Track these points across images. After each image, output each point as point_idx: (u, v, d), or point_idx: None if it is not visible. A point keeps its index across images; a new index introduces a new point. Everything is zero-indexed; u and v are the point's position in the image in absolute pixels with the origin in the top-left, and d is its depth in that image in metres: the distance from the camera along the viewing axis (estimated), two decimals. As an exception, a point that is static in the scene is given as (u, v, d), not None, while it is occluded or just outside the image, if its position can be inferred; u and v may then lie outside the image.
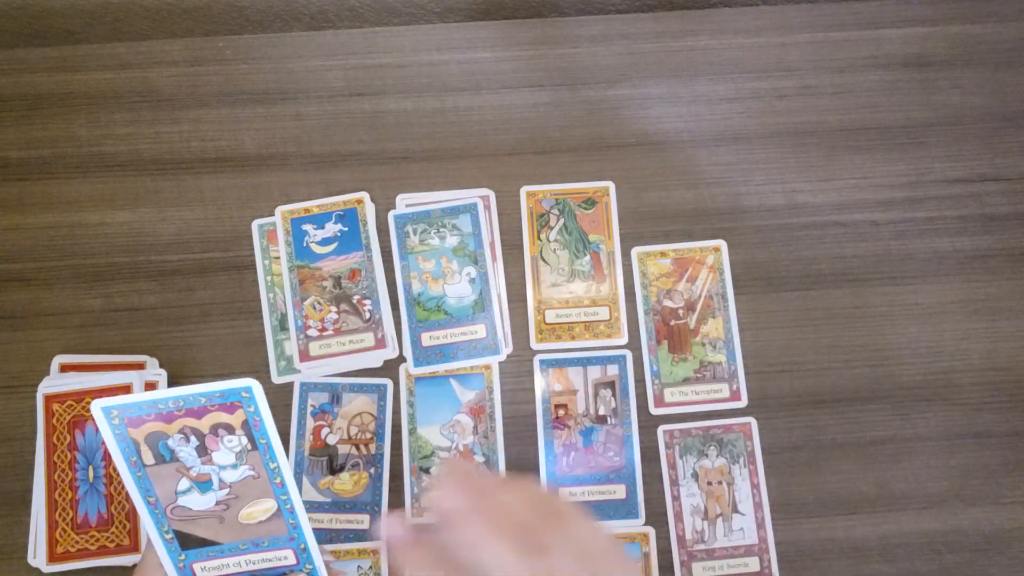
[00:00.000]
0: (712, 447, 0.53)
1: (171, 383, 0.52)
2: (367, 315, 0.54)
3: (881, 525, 0.52)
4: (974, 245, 0.56)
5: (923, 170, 0.57)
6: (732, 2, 0.65)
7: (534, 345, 0.54)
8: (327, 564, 0.40)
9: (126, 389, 0.51)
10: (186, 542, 0.38)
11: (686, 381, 0.54)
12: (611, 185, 0.57)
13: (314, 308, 0.54)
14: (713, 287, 0.55)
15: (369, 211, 0.55)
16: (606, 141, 0.58)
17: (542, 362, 0.54)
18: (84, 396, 0.51)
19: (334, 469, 0.52)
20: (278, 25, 0.66)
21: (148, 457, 0.37)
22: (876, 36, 0.60)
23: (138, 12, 0.64)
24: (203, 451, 0.37)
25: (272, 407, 0.52)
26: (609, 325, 0.54)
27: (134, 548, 0.49)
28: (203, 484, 0.38)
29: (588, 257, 0.56)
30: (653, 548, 0.51)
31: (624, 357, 0.54)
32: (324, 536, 0.51)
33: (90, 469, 0.50)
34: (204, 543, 0.38)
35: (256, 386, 0.36)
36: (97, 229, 0.56)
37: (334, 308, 0.54)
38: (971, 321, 0.55)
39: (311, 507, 0.51)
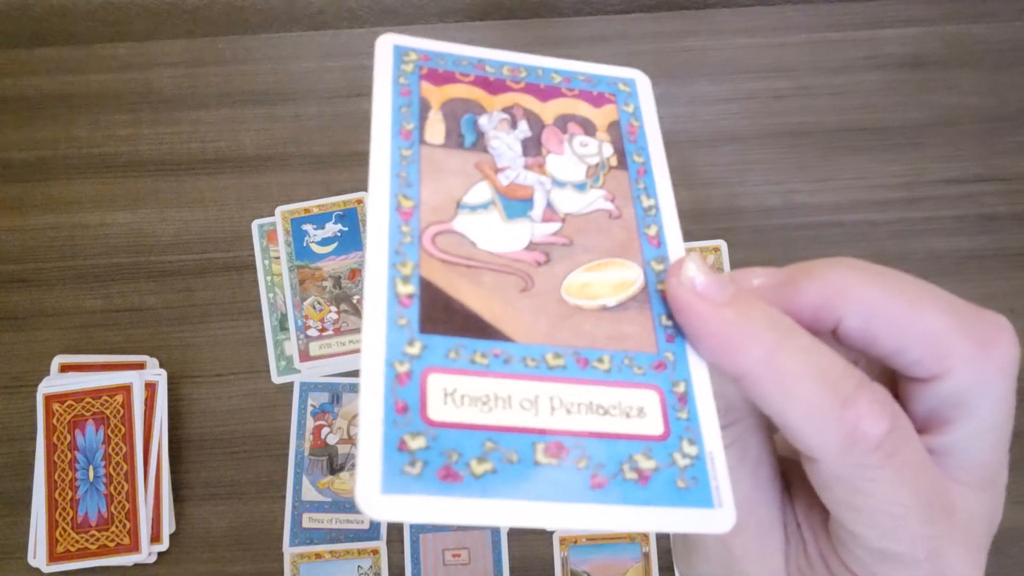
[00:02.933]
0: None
1: (171, 383, 0.52)
2: (367, 315, 0.54)
3: (879, 524, 0.52)
4: (971, 245, 0.56)
5: (920, 170, 0.58)
6: (730, 2, 0.65)
7: (533, 345, 0.54)
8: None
9: (126, 389, 0.51)
10: (434, 316, 0.17)
11: (685, 380, 0.53)
12: (610, 185, 0.56)
13: (314, 308, 0.54)
14: (711, 287, 0.55)
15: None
16: (605, 141, 0.58)
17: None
18: (84, 396, 0.51)
19: (334, 469, 0.52)
20: (278, 26, 0.66)
21: (435, 134, 0.20)
22: (873, 36, 0.60)
23: (138, 13, 0.64)
24: (534, 147, 0.20)
25: (272, 407, 0.53)
26: (608, 325, 0.54)
27: (134, 548, 0.49)
28: (516, 204, 0.19)
29: (587, 257, 0.55)
30: (653, 548, 0.51)
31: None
32: (324, 536, 0.51)
33: (90, 469, 0.50)
34: (472, 328, 0.17)
35: (643, 80, 0.23)
36: (98, 230, 0.56)
37: (334, 308, 0.54)
38: (968, 320, 0.55)
39: (311, 507, 0.51)
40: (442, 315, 0.17)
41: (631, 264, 0.19)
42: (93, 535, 0.49)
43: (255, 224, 0.56)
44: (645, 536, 0.51)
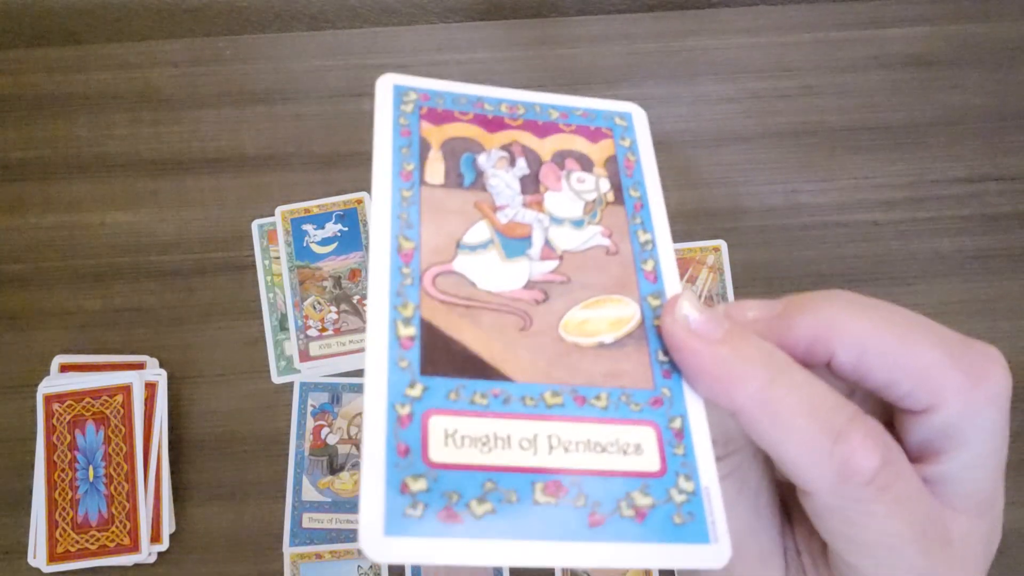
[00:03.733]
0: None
1: (171, 383, 0.52)
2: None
3: (882, 526, 0.52)
4: (975, 245, 0.56)
5: (924, 170, 0.57)
6: (732, 2, 0.65)
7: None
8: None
9: (126, 389, 0.51)
10: (434, 358, 0.17)
11: (686, 381, 0.53)
12: (611, 185, 0.56)
13: (314, 308, 0.54)
14: (713, 287, 0.55)
15: (369, 211, 0.55)
16: (606, 141, 0.57)
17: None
18: (84, 396, 0.51)
19: (334, 469, 0.52)
20: (278, 25, 0.66)
21: (435, 173, 0.20)
22: (877, 36, 0.60)
23: (138, 12, 0.64)
24: (532, 185, 0.20)
25: (272, 407, 0.53)
26: (609, 325, 0.54)
27: (134, 548, 0.49)
28: (514, 242, 0.19)
29: (589, 257, 0.55)
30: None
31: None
32: (324, 536, 0.51)
33: (90, 469, 0.50)
34: (472, 369, 0.17)
35: (640, 114, 0.23)
36: (97, 229, 0.56)
37: (334, 308, 0.54)
38: (972, 321, 0.55)
39: (311, 507, 0.51)
40: (442, 357, 0.17)
41: (628, 300, 0.19)
42: (93, 535, 0.49)
43: (255, 224, 0.55)
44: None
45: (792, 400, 0.17)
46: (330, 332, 0.53)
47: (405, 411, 0.16)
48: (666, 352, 0.18)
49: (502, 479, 0.16)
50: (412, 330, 0.17)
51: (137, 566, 0.50)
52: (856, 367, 0.19)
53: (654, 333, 0.18)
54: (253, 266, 0.55)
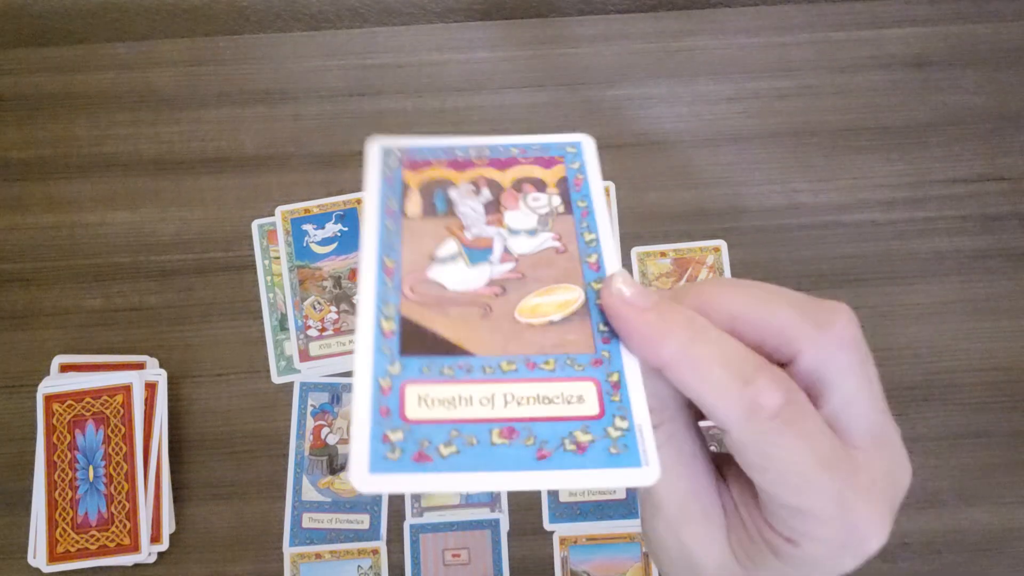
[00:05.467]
0: (712, 446, 0.52)
1: (171, 383, 0.52)
2: (367, 315, 0.54)
3: (881, 525, 0.52)
4: (975, 245, 0.56)
5: (924, 170, 0.57)
6: (732, 2, 0.65)
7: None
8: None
9: (126, 389, 0.51)
10: (411, 343, 0.21)
11: (686, 381, 0.53)
12: (611, 185, 0.56)
13: (314, 308, 0.54)
14: (713, 287, 0.55)
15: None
16: (606, 141, 0.58)
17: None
18: (84, 396, 0.51)
19: (334, 469, 0.52)
20: (278, 25, 0.66)
21: (413, 207, 0.24)
22: (876, 36, 0.60)
23: (138, 12, 0.64)
24: (493, 209, 0.25)
25: (272, 407, 0.53)
26: (609, 325, 0.54)
27: (134, 548, 0.49)
28: (477, 252, 0.24)
29: (588, 257, 0.55)
30: (653, 548, 0.51)
31: (624, 357, 0.53)
32: (324, 536, 0.51)
33: (90, 469, 0.50)
34: (440, 349, 0.21)
35: (588, 142, 0.27)
36: (97, 229, 0.56)
37: (334, 308, 0.54)
38: (971, 321, 0.55)
39: (311, 507, 0.51)
40: (417, 342, 0.21)
41: (574, 287, 0.23)
42: (93, 535, 0.49)
43: (255, 224, 0.55)
44: (645, 536, 0.51)
45: (708, 354, 0.20)
46: (330, 332, 0.53)
47: (387, 383, 0.20)
48: (606, 323, 0.22)
49: (464, 428, 0.19)
50: (393, 325, 0.21)
51: (137, 566, 0.50)
52: (731, 332, 0.21)
53: (596, 310, 0.22)
54: (253, 266, 0.55)
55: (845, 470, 0.20)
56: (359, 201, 0.55)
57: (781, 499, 0.21)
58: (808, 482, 0.20)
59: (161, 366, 0.53)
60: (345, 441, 0.52)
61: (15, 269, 0.55)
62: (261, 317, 0.54)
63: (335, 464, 0.52)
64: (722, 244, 0.56)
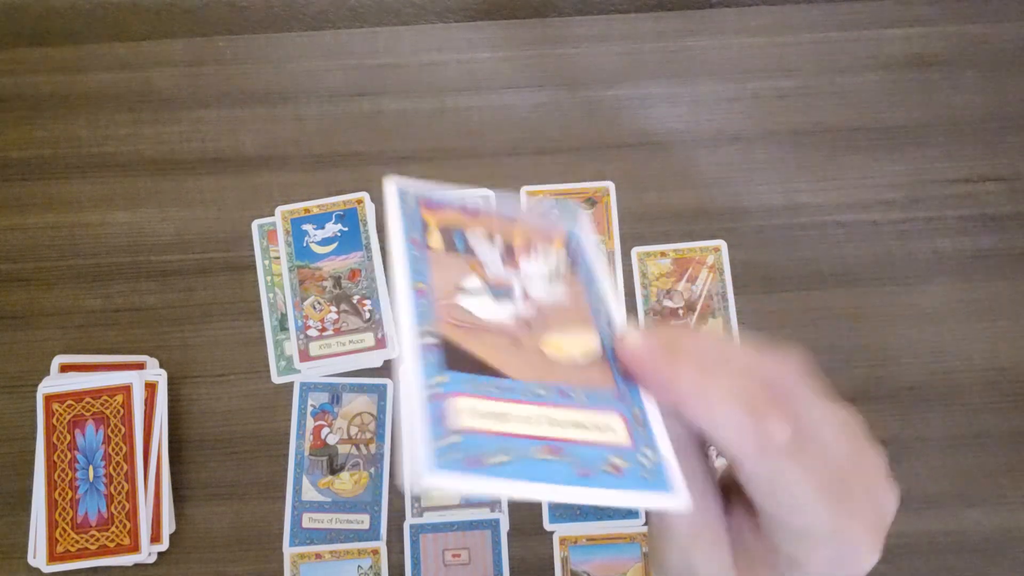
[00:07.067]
0: (712, 447, 0.52)
1: (171, 383, 0.52)
2: (367, 315, 0.54)
3: (881, 525, 0.52)
4: (975, 245, 0.56)
5: (923, 170, 0.57)
6: (732, 2, 0.65)
7: (534, 345, 0.54)
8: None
9: (126, 389, 0.51)
10: (453, 359, 0.22)
11: (686, 381, 0.53)
12: (611, 185, 0.56)
13: (314, 308, 0.54)
14: (713, 287, 0.55)
15: (369, 211, 0.55)
16: (606, 141, 0.58)
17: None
18: (84, 396, 0.51)
19: (334, 469, 0.52)
20: (278, 25, 0.66)
21: (435, 240, 0.26)
22: (876, 36, 0.60)
23: (138, 12, 0.64)
24: (508, 257, 0.26)
25: (272, 407, 0.53)
26: (609, 325, 0.54)
27: (134, 548, 0.49)
28: (500, 291, 0.25)
29: (588, 257, 0.55)
30: (653, 548, 0.51)
31: (624, 357, 0.53)
32: (324, 536, 0.51)
33: (90, 469, 0.50)
34: (480, 369, 0.22)
35: (583, 215, 0.28)
36: (97, 229, 0.56)
37: (334, 308, 0.54)
38: (972, 321, 0.55)
39: (311, 507, 0.51)
40: (458, 359, 0.22)
41: (592, 334, 0.25)
42: (93, 535, 0.49)
43: (255, 224, 0.56)
44: (645, 536, 0.51)
45: (719, 394, 0.22)
46: (330, 332, 0.53)
47: (436, 392, 0.21)
48: (621, 369, 0.24)
49: (510, 441, 0.21)
50: (433, 340, 0.23)
51: (137, 566, 0.50)
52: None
53: (611, 353, 0.24)
54: (253, 266, 0.55)
55: (843, 496, 0.22)
56: (359, 201, 0.55)
57: (785, 522, 0.22)
58: (810, 507, 0.22)
59: (161, 366, 0.53)
60: (345, 441, 0.52)
61: (15, 269, 0.55)
62: (261, 317, 0.54)
63: (335, 464, 0.52)
64: (722, 244, 0.56)
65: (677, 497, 0.21)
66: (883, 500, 0.24)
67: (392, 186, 0.27)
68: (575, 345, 0.24)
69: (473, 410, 0.21)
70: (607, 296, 0.26)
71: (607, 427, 0.22)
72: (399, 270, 0.24)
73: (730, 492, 0.25)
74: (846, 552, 0.22)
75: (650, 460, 0.22)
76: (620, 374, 0.24)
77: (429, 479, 0.19)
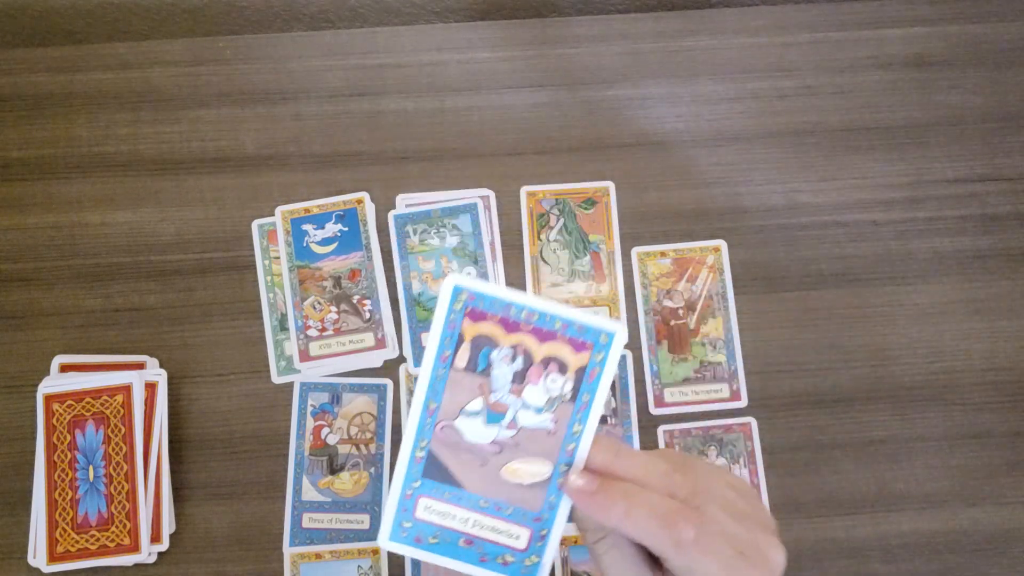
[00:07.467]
0: (712, 447, 0.53)
1: (171, 383, 0.52)
2: (367, 315, 0.54)
3: (881, 525, 0.52)
4: (974, 245, 0.56)
5: (923, 170, 0.57)
6: (732, 2, 0.65)
7: (534, 345, 0.54)
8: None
9: (126, 389, 0.51)
10: (431, 470, 0.33)
11: (686, 381, 0.54)
12: (611, 185, 0.57)
13: (314, 308, 0.54)
14: (713, 287, 0.55)
15: (369, 211, 0.55)
16: (606, 141, 0.58)
17: (542, 362, 0.54)
18: (84, 396, 0.51)
19: (334, 469, 0.52)
20: (278, 25, 0.66)
21: (462, 360, 0.33)
22: (876, 36, 0.60)
23: (138, 12, 0.64)
24: (520, 378, 0.33)
25: (272, 407, 0.53)
26: (609, 325, 0.54)
27: (134, 548, 0.49)
28: (494, 415, 0.33)
29: (588, 257, 0.56)
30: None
31: (624, 357, 0.54)
32: (324, 536, 0.51)
33: (90, 469, 0.50)
34: (448, 480, 0.33)
35: (621, 334, 0.33)
36: (97, 229, 0.56)
37: (334, 308, 0.54)
38: (971, 321, 0.55)
39: (311, 507, 0.51)
40: (435, 470, 0.33)
41: (547, 464, 0.33)
42: (93, 535, 0.49)
43: (255, 224, 0.56)
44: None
45: (641, 512, 0.30)
46: (330, 332, 0.53)
47: (409, 492, 0.33)
48: (554, 494, 0.33)
49: (444, 531, 0.34)
50: (422, 454, 0.33)
51: (137, 566, 0.50)
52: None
53: (554, 485, 0.33)
54: (253, 266, 0.55)
55: (739, 566, 0.31)
56: (359, 201, 0.55)
57: None
58: None
59: (161, 366, 0.53)
60: (345, 441, 0.52)
61: (15, 269, 0.55)
62: (261, 317, 0.54)
63: (335, 464, 0.52)
64: (722, 244, 0.56)
65: None
66: (772, 557, 0.32)
67: (449, 287, 0.33)
68: (527, 474, 0.33)
69: (429, 508, 0.33)
70: (591, 424, 0.33)
71: (515, 536, 0.33)
72: (421, 388, 0.33)
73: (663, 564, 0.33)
74: None
75: (530, 562, 0.33)
76: (550, 500, 0.33)
77: (387, 545, 0.34)
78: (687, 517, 0.30)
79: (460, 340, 0.33)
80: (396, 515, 0.33)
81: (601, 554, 0.33)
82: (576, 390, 0.33)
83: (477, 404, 0.33)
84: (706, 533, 0.31)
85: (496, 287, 0.33)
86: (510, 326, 0.33)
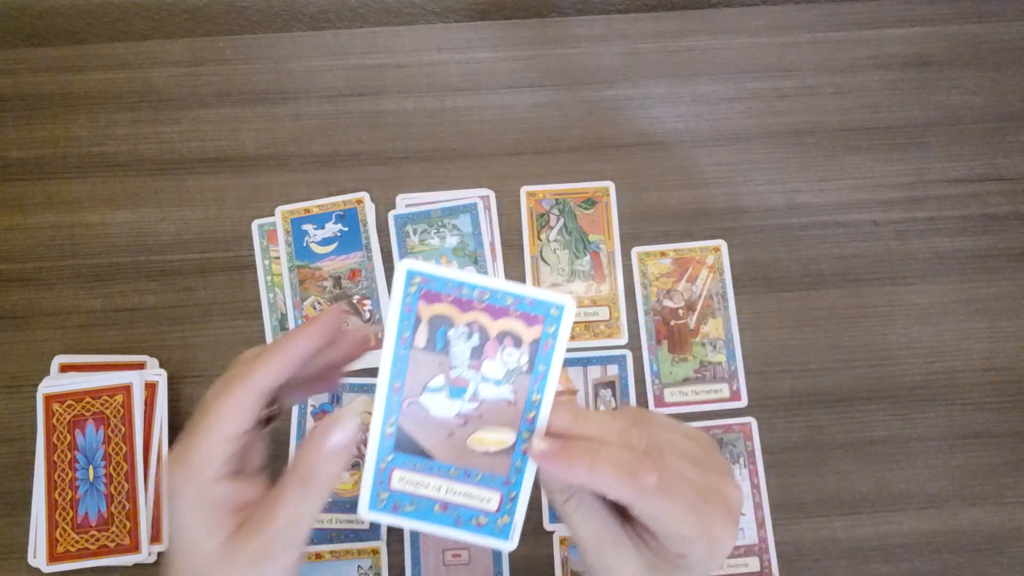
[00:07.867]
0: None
1: (171, 383, 0.52)
2: (367, 315, 0.54)
3: (881, 525, 0.52)
4: (974, 245, 0.56)
5: (923, 170, 0.57)
6: (732, 2, 0.65)
7: (534, 345, 0.54)
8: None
9: (126, 389, 0.51)
10: (401, 444, 0.35)
11: (686, 381, 0.54)
12: (611, 185, 0.57)
13: (314, 308, 0.54)
14: (713, 287, 0.55)
15: (369, 211, 0.55)
16: (606, 141, 0.58)
17: (542, 362, 0.54)
18: (84, 396, 0.51)
19: (334, 469, 0.52)
20: (278, 25, 0.66)
21: (421, 339, 0.34)
22: (876, 36, 0.60)
23: (138, 12, 0.64)
24: (477, 354, 0.34)
25: (272, 407, 0.53)
26: (609, 325, 0.54)
27: (134, 548, 0.49)
28: (456, 389, 0.35)
29: (588, 257, 0.56)
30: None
31: (624, 357, 0.54)
32: (324, 536, 0.51)
33: (90, 469, 0.50)
34: (419, 452, 0.35)
35: (570, 306, 0.34)
36: (97, 229, 0.56)
37: (334, 308, 0.54)
38: (971, 321, 0.55)
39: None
40: (405, 443, 0.34)
41: (511, 432, 0.34)
42: (93, 535, 0.49)
43: (255, 224, 0.56)
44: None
45: (604, 465, 0.31)
46: (330, 332, 0.53)
47: (383, 465, 0.34)
48: (520, 460, 0.34)
49: (420, 500, 0.35)
50: (392, 430, 0.34)
51: (137, 566, 0.50)
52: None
53: (518, 452, 0.34)
54: (253, 266, 0.55)
55: (701, 507, 0.32)
56: (359, 201, 0.56)
57: (667, 533, 0.32)
58: (680, 522, 0.32)
59: (161, 366, 0.53)
60: (345, 441, 0.52)
61: (15, 269, 0.55)
62: (261, 317, 0.54)
63: (335, 464, 0.52)
64: (722, 244, 0.56)
65: (509, 544, 0.34)
66: (730, 496, 0.34)
67: (402, 272, 0.33)
68: (492, 442, 0.35)
69: (403, 479, 0.35)
70: (548, 392, 0.34)
71: (486, 499, 0.35)
72: (384, 372, 0.34)
73: (631, 515, 0.34)
74: (713, 543, 0.32)
75: (502, 522, 0.35)
76: (516, 465, 0.35)
77: (367, 515, 0.34)
78: (648, 465, 0.32)
79: (418, 321, 0.34)
80: (372, 487, 0.35)
81: (570, 513, 0.34)
82: (532, 362, 0.34)
83: (439, 380, 0.34)
84: (667, 478, 0.32)
85: (448, 269, 0.34)
86: (464, 305, 0.34)
